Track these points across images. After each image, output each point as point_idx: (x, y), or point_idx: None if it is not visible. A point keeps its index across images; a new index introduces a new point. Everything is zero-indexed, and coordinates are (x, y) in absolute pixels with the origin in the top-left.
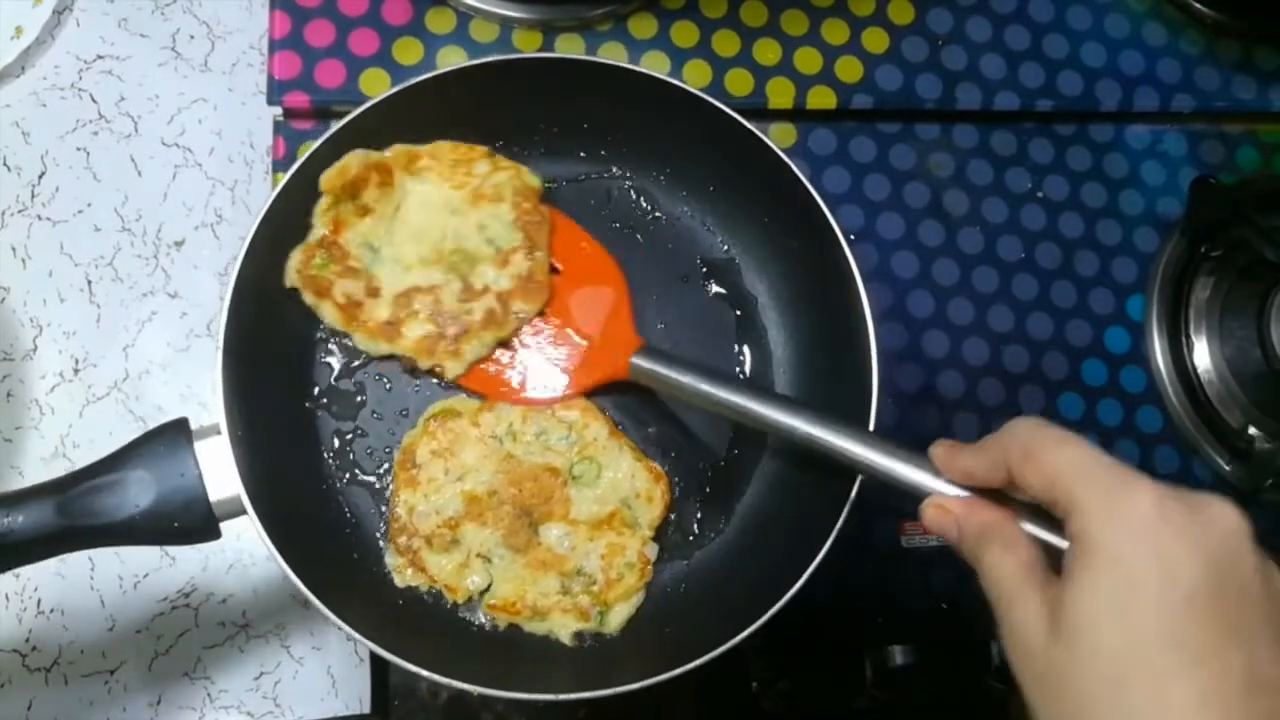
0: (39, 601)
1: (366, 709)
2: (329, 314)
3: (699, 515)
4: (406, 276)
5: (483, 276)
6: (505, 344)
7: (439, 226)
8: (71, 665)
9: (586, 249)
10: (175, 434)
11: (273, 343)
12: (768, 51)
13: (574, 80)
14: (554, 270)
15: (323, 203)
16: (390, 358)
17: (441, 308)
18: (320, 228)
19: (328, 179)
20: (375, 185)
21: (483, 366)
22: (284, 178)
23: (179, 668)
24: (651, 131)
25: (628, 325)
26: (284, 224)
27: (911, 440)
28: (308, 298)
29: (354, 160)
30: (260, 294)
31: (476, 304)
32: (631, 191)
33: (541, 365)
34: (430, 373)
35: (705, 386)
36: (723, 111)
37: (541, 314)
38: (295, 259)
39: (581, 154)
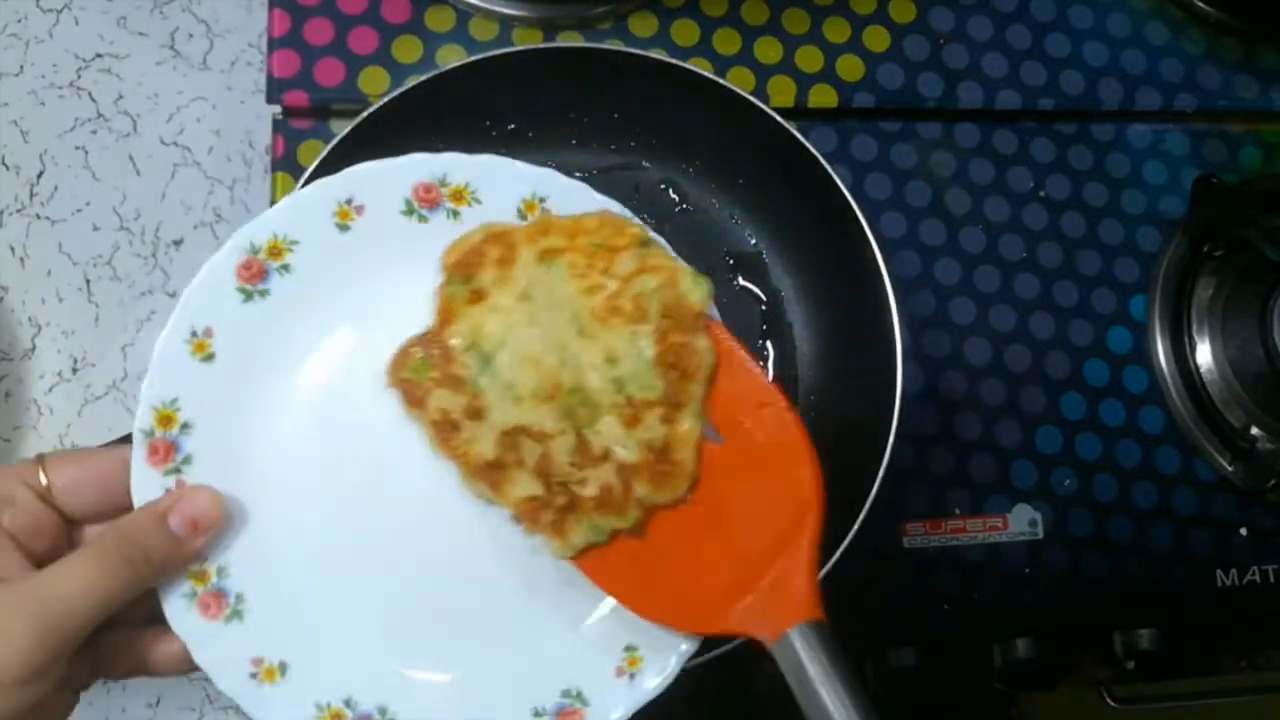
0: None
1: None
2: (427, 433)
3: None
4: (516, 410)
5: (602, 436)
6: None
7: (558, 347)
8: None
9: (767, 419)
10: None
11: None
12: (769, 50)
13: (607, 72)
14: (716, 436)
15: (440, 285)
16: None
17: (550, 464)
18: (429, 317)
19: (445, 254)
20: (493, 263)
21: (599, 552)
22: (324, 150)
23: None
24: (682, 125)
25: (806, 573)
26: None
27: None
28: (405, 408)
29: (477, 231)
30: None
31: (591, 472)
32: (660, 183)
33: (670, 571)
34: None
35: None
36: (757, 107)
37: (685, 498)
38: (394, 355)
39: (611, 145)
